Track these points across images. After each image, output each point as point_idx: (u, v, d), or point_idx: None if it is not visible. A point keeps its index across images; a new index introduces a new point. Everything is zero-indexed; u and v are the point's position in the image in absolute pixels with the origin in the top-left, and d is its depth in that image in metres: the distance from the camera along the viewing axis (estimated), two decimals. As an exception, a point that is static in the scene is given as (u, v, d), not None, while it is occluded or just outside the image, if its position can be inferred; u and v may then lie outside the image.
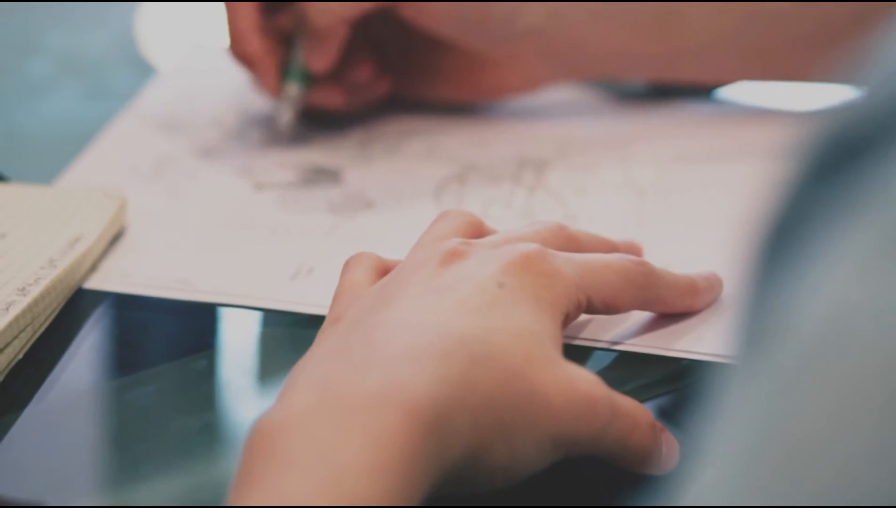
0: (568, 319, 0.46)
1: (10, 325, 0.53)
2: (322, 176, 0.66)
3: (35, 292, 0.54)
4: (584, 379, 0.43)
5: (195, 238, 0.61)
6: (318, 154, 0.68)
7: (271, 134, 0.70)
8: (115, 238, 0.61)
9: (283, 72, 0.68)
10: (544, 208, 0.63)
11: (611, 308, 0.48)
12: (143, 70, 0.80)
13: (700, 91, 0.72)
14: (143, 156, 0.68)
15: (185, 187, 0.65)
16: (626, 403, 0.44)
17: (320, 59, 0.66)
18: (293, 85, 0.68)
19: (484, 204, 0.64)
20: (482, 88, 0.70)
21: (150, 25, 0.84)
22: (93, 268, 0.59)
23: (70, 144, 0.71)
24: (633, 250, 0.55)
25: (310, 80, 0.68)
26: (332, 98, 0.69)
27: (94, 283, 0.58)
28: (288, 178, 0.66)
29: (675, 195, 0.64)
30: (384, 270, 0.49)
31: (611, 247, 0.53)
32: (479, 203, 0.64)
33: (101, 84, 0.79)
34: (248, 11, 0.67)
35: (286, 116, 0.68)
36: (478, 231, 0.51)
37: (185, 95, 0.74)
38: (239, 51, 0.67)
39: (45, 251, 0.57)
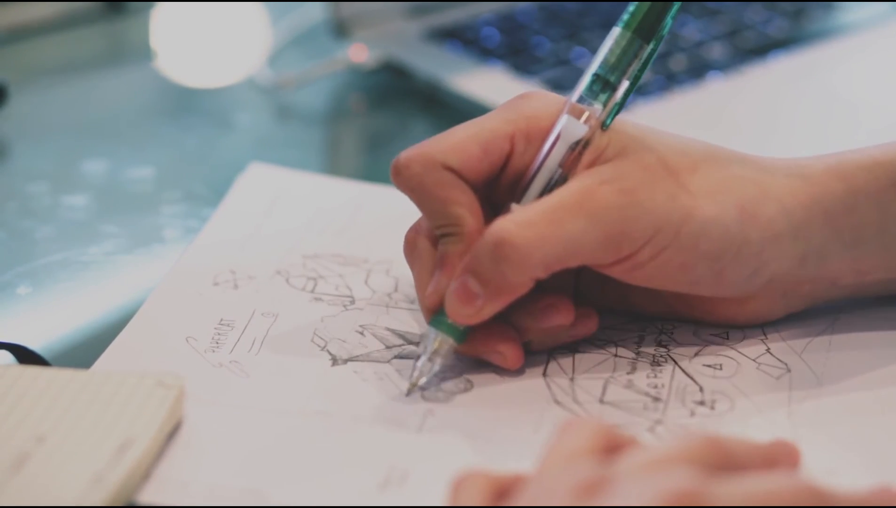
0: None
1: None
2: (409, 347, 0.57)
3: (79, 523, 0.45)
4: None
5: (263, 431, 0.52)
6: (403, 319, 0.59)
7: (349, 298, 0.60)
8: (171, 434, 0.52)
9: (438, 312, 0.53)
10: (675, 389, 0.54)
11: None
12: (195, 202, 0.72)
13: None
14: (198, 322, 0.58)
15: (249, 362, 0.56)
16: None
17: (484, 314, 0.52)
18: (446, 339, 0.53)
19: (600, 383, 0.54)
20: (702, 317, 0.57)
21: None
22: (145, 476, 0.50)
23: (115, 295, 0.63)
24: (791, 456, 0.48)
25: (466, 335, 0.54)
26: (509, 357, 0.54)
27: (146, 496, 0.49)
28: (369, 348, 0.57)
29: (829, 367, 0.55)
30: (500, 492, 0.44)
31: (767, 458, 0.46)
32: (594, 382, 0.55)
33: (147, 226, 0.70)
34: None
35: (425, 374, 0.53)
36: (611, 444, 0.45)
37: (244, 242, 0.64)
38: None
39: (90, 462, 0.48)
